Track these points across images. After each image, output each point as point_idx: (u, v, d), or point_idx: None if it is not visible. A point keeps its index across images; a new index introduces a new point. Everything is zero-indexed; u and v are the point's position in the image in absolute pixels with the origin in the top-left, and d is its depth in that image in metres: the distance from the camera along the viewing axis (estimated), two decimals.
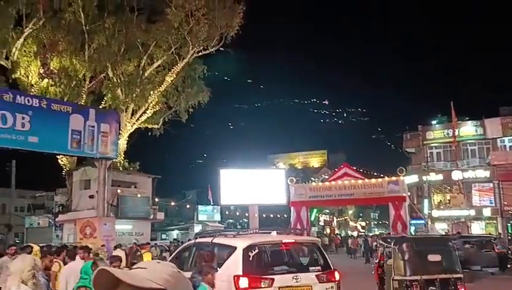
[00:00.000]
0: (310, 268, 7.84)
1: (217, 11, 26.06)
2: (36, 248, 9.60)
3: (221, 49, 27.73)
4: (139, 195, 27.46)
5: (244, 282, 6.84)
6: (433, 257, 9.58)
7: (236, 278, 6.86)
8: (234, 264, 7.23)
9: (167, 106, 29.30)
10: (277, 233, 8.71)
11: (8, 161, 33.36)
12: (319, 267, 7.86)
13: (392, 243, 10.33)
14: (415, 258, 9.63)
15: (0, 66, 24.21)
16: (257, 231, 10.02)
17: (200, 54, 27.78)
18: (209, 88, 29.88)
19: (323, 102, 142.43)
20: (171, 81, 27.48)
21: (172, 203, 45.65)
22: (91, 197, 24.22)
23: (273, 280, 6.94)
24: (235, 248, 7.48)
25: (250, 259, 7.20)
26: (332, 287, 7.63)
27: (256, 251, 7.46)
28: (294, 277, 7.15)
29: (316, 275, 7.57)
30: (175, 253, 9.75)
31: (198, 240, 9.10)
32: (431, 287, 9.26)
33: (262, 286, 6.95)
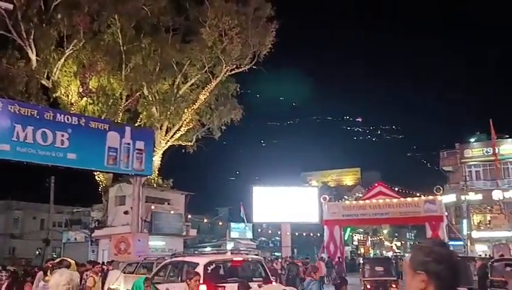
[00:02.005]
0: (253, 279, 9.93)
1: (250, 30, 26.39)
2: (73, 262, 9.74)
3: (253, 67, 27.96)
4: (172, 211, 27.71)
5: (203, 289, 8.68)
6: (378, 268, 16.37)
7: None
8: None
9: (200, 124, 29.64)
10: (231, 253, 11.55)
11: (47, 177, 34.48)
12: (261, 278, 10.24)
13: (362, 260, 22.17)
14: (369, 268, 16.44)
15: (42, 86, 25.16)
16: (216, 251, 13.94)
17: (233, 72, 28.09)
18: (242, 106, 30.12)
19: (357, 119, 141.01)
20: (205, 99, 27.85)
21: (205, 220, 45.73)
22: (126, 213, 24.57)
23: (224, 287, 8.89)
24: (198, 263, 9.72)
25: (209, 272, 9.35)
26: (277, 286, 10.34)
27: (213, 266, 9.91)
28: None
29: (258, 284, 9.62)
30: (156, 269, 11.61)
31: (174, 259, 11.54)
32: (375, 285, 15.22)
33: None
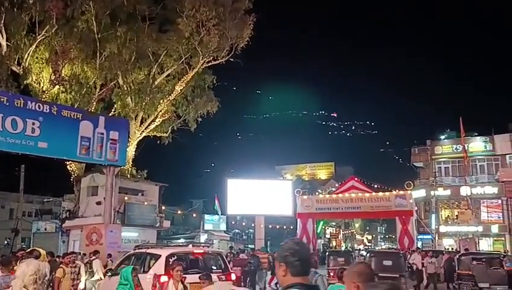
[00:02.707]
0: (213, 270, 10.56)
1: (228, 21, 26.25)
2: (43, 252, 9.62)
3: (231, 59, 27.87)
4: (145, 203, 27.50)
5: (164, 278, 9.06)
6: (340, 259, 19.13)
7: (159, 275, 9.42)
8: (159, 266, 9.97)
9: (176, 115, 29.43)
10: (192, 246, 12.36)
11: (17, 166, 33.66)
12: (221, 270, 10.91)
13: (327, 252, 24.90)
14: (333, 259, 19.22)
15: (12, 72, 24.48)
16: (179, 244, 14.26)
17: (210, 64, 27.94)
18: (218, 98, 30.03)
19: (332, 114, 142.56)
20: (181, 90, 27.64)
21: (179, 212, 45.58)
22: (98, 203, 24.25)
23: (185, 277, 8.99)
24: (160, 255, 10.39)
25: (170, 263, 9.70)
26: (229, 284, 10.73)
27: (175, 257, 10.31)
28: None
29: (217, 276, 10.25)
30: (119, 260, 12.14)
31: (137, 250, 11.99)
32: (336, 272, 17.28)
33: None
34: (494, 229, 34.78)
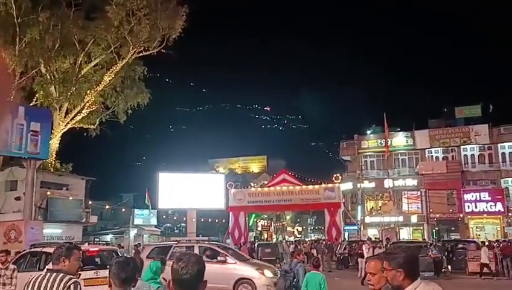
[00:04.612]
0: (107, 266, 10.70)
1: (159, 12, 25.66)
2: None
3: (162, 50, 27.27)
4: (70, 197, 26.40)
5: None
6: (267, 250, 24.49)
7: None
8: None
9: (105, 106, 28.41)
10: (88, 244, 13.07)
11: None
12: None
13: (256, 244, 27.54)
14: (260, 250, 24.57)
15: None
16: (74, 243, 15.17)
17: (141, 54, 27.21)
18: (150, 90, 29.32)
19: (265, 108, 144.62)
20: (110, 81, 26.67)
21: (107, 207, 44.10)
22: (17, 199, 23.06)
23: (79, 274, 9.17)
24: None
25: None
26: None
27: None
28: (95, 272, 10.38)
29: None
30: (15, 259, 12.13)
31: (33, 249, 12.23)
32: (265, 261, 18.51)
33: None
34: (414, 219, 37.00)
